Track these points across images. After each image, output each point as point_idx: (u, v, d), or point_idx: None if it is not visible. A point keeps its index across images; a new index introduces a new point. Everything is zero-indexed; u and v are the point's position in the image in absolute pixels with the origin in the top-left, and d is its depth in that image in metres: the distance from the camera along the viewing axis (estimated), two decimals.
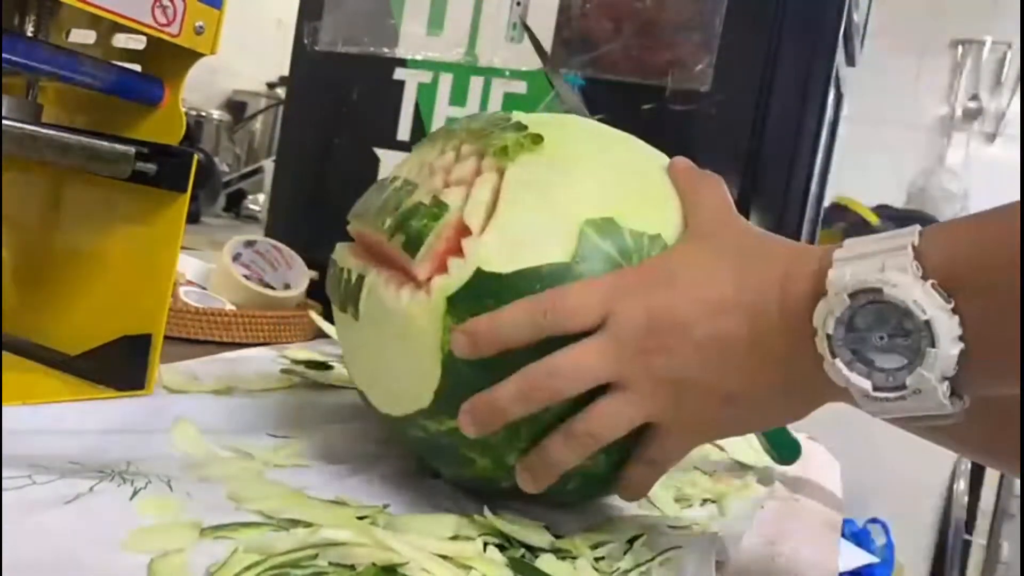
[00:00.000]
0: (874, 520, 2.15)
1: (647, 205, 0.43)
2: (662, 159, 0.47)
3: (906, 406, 0.33)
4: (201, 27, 0.52)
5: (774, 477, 0.64)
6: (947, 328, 0.32)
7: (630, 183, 0.44)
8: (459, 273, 0.40)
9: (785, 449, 0.66)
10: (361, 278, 0.45)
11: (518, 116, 0.46)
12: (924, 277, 0.32)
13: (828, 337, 0.34)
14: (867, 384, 0.33)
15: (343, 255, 0.50)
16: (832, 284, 0.34)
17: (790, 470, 0.67)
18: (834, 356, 0.34)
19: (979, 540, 2.20)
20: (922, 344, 0.32)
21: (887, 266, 0.33)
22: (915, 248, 0.33)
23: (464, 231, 0.42)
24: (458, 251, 0.41)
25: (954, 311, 0.32)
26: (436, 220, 0.42)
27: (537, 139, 0.43)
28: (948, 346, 0.32)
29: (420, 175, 0.46)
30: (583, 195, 0.42)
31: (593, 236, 0.40)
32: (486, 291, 0.40)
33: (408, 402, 0.43)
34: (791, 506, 0.58)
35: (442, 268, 0.41)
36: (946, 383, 0.32)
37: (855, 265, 0.34)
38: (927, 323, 0.32)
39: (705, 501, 0.55)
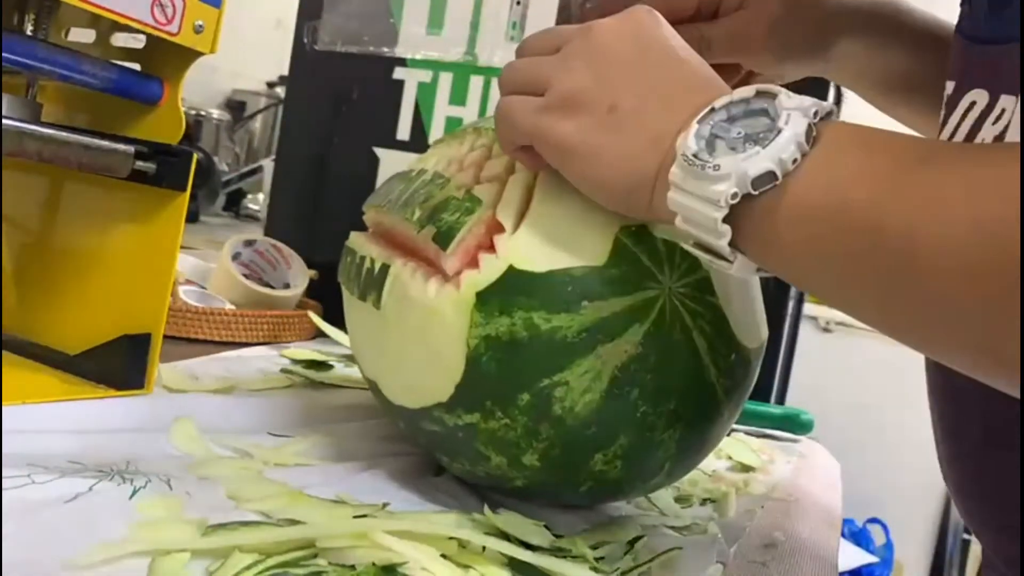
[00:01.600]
0: (874, 520, 2.16)
1: None
2: None
3: (693, 202, 0.33)
4: (200, 26, 0.52)
5: (774, 477, 0.64)
6: (782, 150, 0.32)
7: None
8: (490, 269, 0.40)
9: (800, 426, 0.79)
10: (386, 267, 0.45)
11: None
12: (808, 139, 0.32)
13: (711, 108, 0.35)
14: (693, 147, 0.34)
15: (362, 243, 0.50)
16: (755, 84, 0.35)
17: (790, 471, 0.67)
18: (699, 122, 0.35)
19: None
20: (760, 138, 0.33)
21: (793, 104, 0.33)
22: (815, 124, 0.33)
23: (497, 228, 0.42)
24: (490, 247, 0.41)
25: (803, 157, 0.32)
26: (469, 215, 0.42)
27: None
28: (774, 155, 0.32)
29: (449, 169, 0.46)
30: None
31: (627, 242, 0.40)
32: (517, 288, 0.40)
33: (427, 395, 0.43)
34: (791, 506, 0.58)
35: (473, 263, 0.41)
36: (725, 214, 0.33)
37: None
38: (779, 131, 0.32)
39: (705, 501, 0.55)
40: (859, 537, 2.10)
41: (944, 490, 2.16)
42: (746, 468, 0.65)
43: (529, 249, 0.40)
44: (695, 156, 0.33)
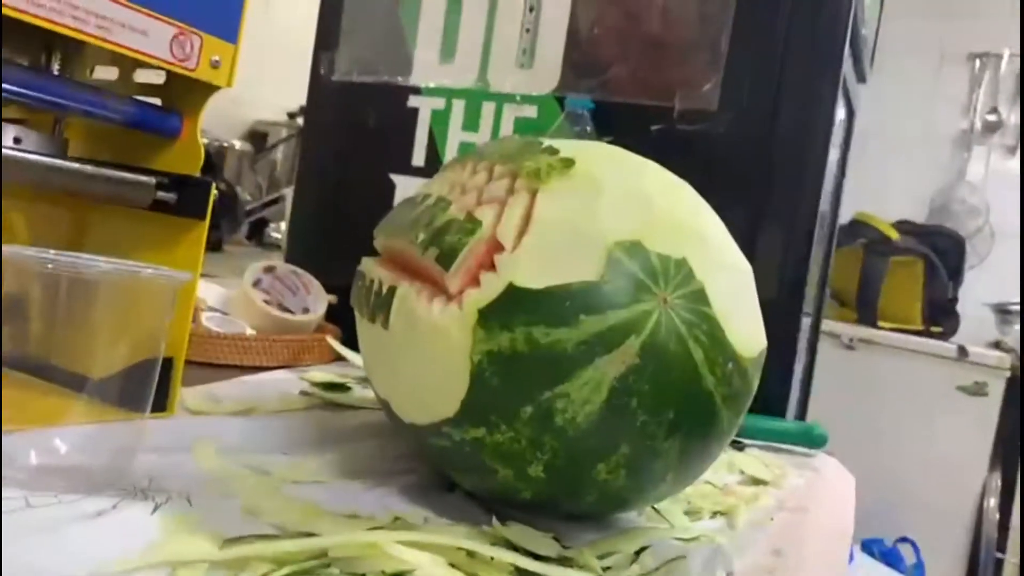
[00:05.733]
0: (904, 539, 2.13)
1: (673, 231, 0.44)
2: (687, 187, 0.49)
3: None
4: (217, 61, 0.54)
5: (786, 490, 0.64)
6: None
7: (657, 209, 0.45)
8: (491, 287, 0.42)
9: (813, 440, 0.79)
10: (392, 289, 0.47)
11: (550, 141, 0.48)
12: None
13: None
14: None
15: (371, 268, 0.52)
16: None
17: (803, 484, 0.67)
18: None
19: (1012, 559, 2.16)
20: None
21: None
22: None
23: (497, 247, 0.43)
24: (490, 266, 0.43)
25: None
26: (470, 235, 0.44)
27: (569, 163, 0.45)
28: None
29: (452, 193, 0.49)
30: (612, 218, 0.43)
31: (621, 257, 0.42)
32: (517, 305, 0.41)
33: (434, 411, 0.45)
34: (801, 519, 0.59)
35: (474, 282, 0.43)
36: None
37: None
38: None
39: (715, 514, 0.55)
40: (889, 556, 2.07)
41: (975, 507, 2.13)
42: (758, 482, 0.65)
43: (528, 267, 0.42)
44: None
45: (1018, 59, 2.68)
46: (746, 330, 0.45)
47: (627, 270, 0.41)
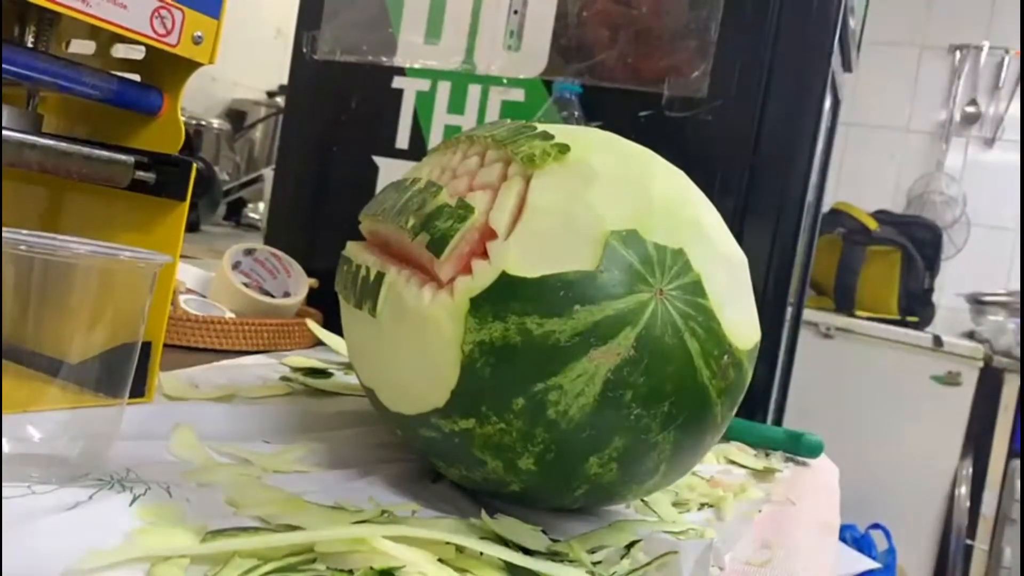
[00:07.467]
0: (876, 526, 2.15)
1: (670, 221, 0.43)
2: (684, 175, 0.48)
3: None
4: (200, 37, 0.53)
5: (772, 482, 0.64)
6: None
7: (655, 198, 0.44)
8: (484, 275, 0.41)
9: (807, 448, 0.74)
10: (380, 275, 0.46)
11: (544, 126, 0.46)
12: None
13: None
14: None
15: (357, 252, 0.51)
16: None
17: (789, 475, 0.67)
18: None
19: (981, 545, 2.19)
20: None
21: None
22: None
23: (490, 234, 0.42)
24: (483, 254, 0.42)
25: None
26: (462, 222, 0.43)
27: (564, 149, 0.44)
28: None
29: (443, 177, 0.47)
30: (608, 206, 0.42)
31: (618, 247, 0.41)
32: (510, 294, 0.40)
33: (423, 401, 0.44)
34: (788, 510, 0.58)
35: (466, 269, 0.42)
36: None
37: None
38: None
39: (703, 505, 0.55)
40: (861, 543, 2.10)
41: (946, 495, 2.16)
42: (744, 472, 0.65)
43: (522, 255, 0.40)
44: None
45: (998, 51, 2.70)
46: (742, 322, 0.44)
47: (623, 260, 0.40)
